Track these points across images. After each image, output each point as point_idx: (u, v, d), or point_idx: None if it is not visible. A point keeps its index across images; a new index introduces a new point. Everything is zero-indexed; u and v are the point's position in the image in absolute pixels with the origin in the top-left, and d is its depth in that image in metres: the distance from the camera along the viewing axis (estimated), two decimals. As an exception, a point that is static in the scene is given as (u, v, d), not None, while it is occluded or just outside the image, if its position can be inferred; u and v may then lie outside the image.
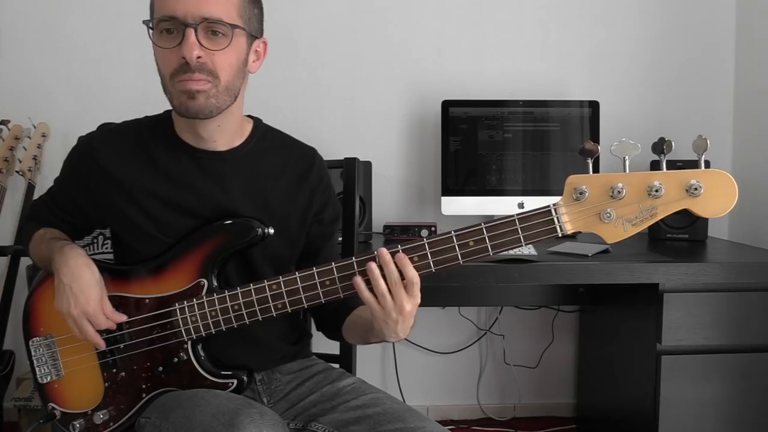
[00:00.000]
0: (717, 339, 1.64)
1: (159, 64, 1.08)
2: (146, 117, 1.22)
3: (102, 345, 1.11)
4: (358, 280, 1.01)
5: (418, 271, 1.00)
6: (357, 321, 1.19)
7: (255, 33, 1.13)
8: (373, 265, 1.00)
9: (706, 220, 1.92)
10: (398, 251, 1.00)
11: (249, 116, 1.25)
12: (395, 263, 0.99)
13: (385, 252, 1.00)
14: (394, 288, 0.99)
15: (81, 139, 1.20)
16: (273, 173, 1.20)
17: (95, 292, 1.09)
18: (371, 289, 1.01)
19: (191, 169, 1.16)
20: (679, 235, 1.96)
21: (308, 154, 1.27)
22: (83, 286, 1.08)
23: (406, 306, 1.00)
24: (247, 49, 1.11)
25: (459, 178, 2.06)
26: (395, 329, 1.02)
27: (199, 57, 1.03)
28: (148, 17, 1.09)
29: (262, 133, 1.23)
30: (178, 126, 1.17)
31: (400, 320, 1.01)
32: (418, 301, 1.01)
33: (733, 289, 1.63)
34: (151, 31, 1.08)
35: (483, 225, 0.99)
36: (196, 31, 1.03)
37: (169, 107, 1.14)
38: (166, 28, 1.05)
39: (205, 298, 1.10)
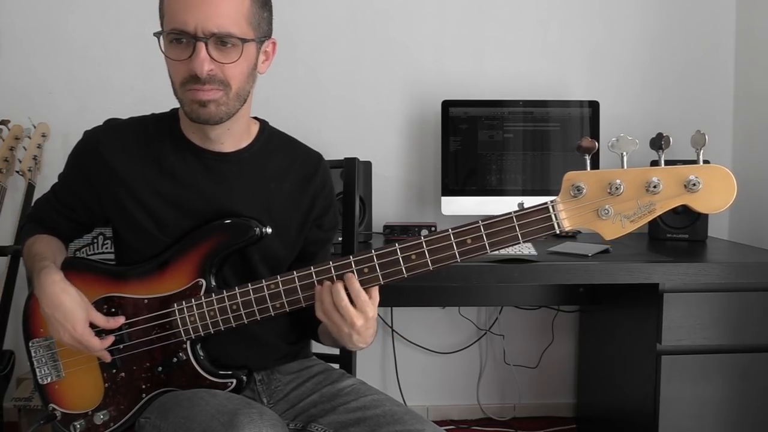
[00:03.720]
0: (717, 339, 1.64)
1: (169, 71, 1.09)
2: (153, 114, 1.22)
3: (107, 357, 1.12)
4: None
5: (416, 270, 1.01)
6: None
7: (265, 36, 1.12)
8: (318, 287, 1.04)
9: (706, 219, 1.92)
10: (350, 271, 1.02)
11: (255, 118, 1.24)
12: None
13: (349, 277, 1.02)
14: (340, 308, 1.01)
15: (87, 133, 1.20)
16: (277, 176, 1.20)
17: (78, 315, 1.08)
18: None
19: (196, 169, 1.16)
20: (679, 235, 1.95)
21: (313, 158, 1.27)
22: (66, 313, 1.08)
23: (357, 321, 1.02)
24: (257, 54, 1.11)
25: (459, 178, 2.06)
26: (351, 340, 1.05)
27: (210, 70, 1.04)
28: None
29: (268, 135, 1.23)
30: (184, 125, 1.17)
31: (353, 333, 1.03)
32: (371, 314, 1.03)
33: (733, 289, 1.63)
34: (160, 39, 1.07)
35: (480, 223, 0.99)
36: (206, 44, 1.02)
37: (175, 105, 1.14)
38: (176, 38, 1.04)
39: (203, 299, 1.10)
